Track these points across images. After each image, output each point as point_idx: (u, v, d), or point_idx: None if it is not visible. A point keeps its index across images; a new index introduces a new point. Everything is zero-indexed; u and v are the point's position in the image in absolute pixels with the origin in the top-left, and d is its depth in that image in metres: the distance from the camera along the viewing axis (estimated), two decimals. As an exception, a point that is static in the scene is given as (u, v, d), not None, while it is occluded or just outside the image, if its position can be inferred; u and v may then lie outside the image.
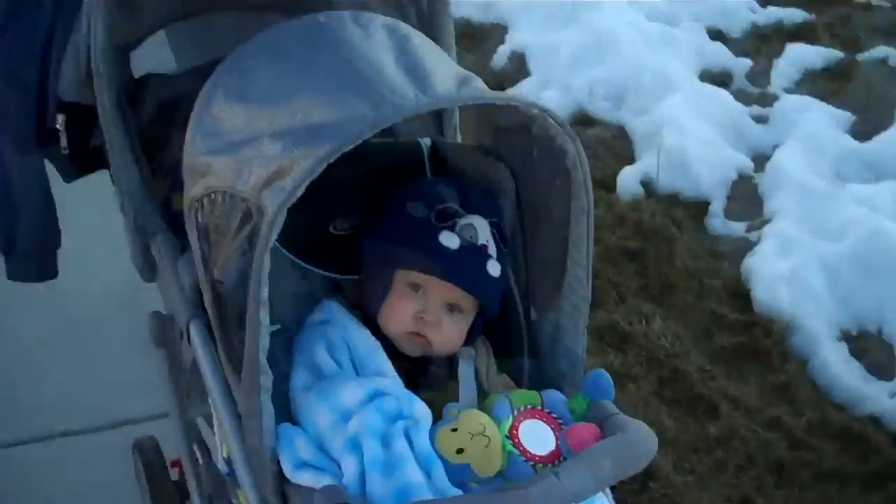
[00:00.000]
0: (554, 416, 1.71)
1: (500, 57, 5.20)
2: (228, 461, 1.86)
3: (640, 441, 1.62)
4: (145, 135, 2.04)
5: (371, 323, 1.81)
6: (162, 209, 2.04)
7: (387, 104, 1.52)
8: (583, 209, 1.70)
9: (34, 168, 2.16)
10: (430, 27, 2.05)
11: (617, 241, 3.85)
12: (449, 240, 1.75)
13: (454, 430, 1.63)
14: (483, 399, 1.79)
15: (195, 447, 2.21)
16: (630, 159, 4.40)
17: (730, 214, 4.06)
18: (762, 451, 2.96)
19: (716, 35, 5.33)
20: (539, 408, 1.71)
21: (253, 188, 1.52)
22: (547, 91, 4.86)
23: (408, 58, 1.65)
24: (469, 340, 1.85)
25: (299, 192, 1.46)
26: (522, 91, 4.84)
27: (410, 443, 1.61)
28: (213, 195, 1.62)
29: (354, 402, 1.66)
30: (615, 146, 4.53)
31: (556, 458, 1.65)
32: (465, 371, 1.81)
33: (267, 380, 1.56)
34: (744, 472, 2.92)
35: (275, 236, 1.48)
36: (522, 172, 1.82)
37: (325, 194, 1.83)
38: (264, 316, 1.52)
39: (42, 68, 2.07)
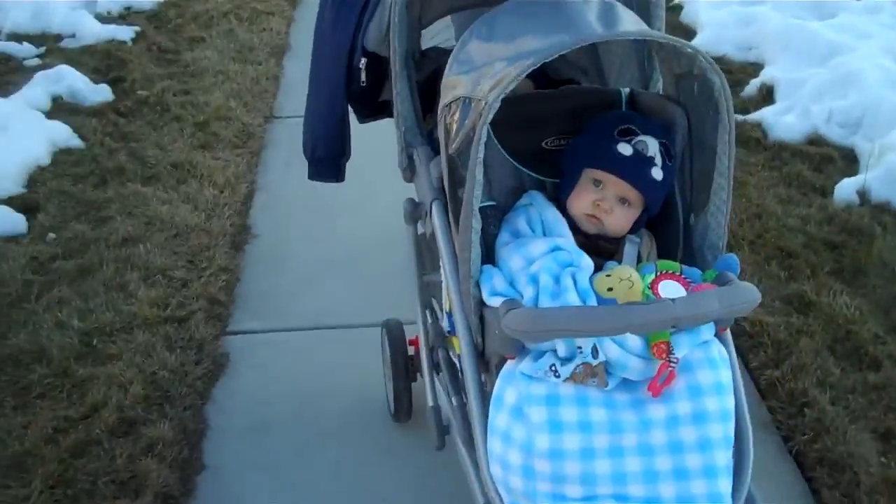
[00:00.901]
0: (689, 280, 2.11)
1: (751, 88, 5.49)
2: (449, 316, 2.37)
3: (743, 291, 2.00)
4: (423, 88, 2.59)
5: (562, 212, 2.28)
6: (426, 136, 2.58)
7: (580, 35, 2.02)
8: (726, 129, 2.10)
9: (340, 100, 2.78)
10: (647, 17, 2.50)
11: (822, 235, 4.09)
12: (624, 149, 2.20)
13: (608, 275, 2.08)
14: None
15: (427, 311, 2.74)
16: (854, 175, 4.58)
17: None
18: (915, 400, 3.14)
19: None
20: (678, 273, 2.13)
21: (483, 92, 2.04)
22: (787, 115, 5.11)
23: (607, 17, 2.13)
24: (634, 231, 2.28)
25: (511, 87, 1.96)
26: (765, 115, 5.11)
27: (575, 283, 2.07)
28: (457, 100, 2.15)
29: (539, 252, 2.14)
30: (841, 164, 4.73)
31: (682, 307, 2.07)
32: (629, 250, 2.26)
33: (476, 222, 2.06)
34: (892, 412, 3.10)
35: (490, 116, 1.97)
36: (693, 111, 2.23)
37: (544, 120, 2.36)
38: (479, 172, 2.02)
39: (357, 26, 2.68)
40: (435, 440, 2.57)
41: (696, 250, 2.29)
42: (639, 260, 2.27)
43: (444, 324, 2.59)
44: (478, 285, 2.13)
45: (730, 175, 2.16)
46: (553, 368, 2.01)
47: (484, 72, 2.09)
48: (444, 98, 2.22)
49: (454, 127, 2.15)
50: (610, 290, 2.05)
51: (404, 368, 3.04)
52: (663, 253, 2.32)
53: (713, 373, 2.04)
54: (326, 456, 3.05)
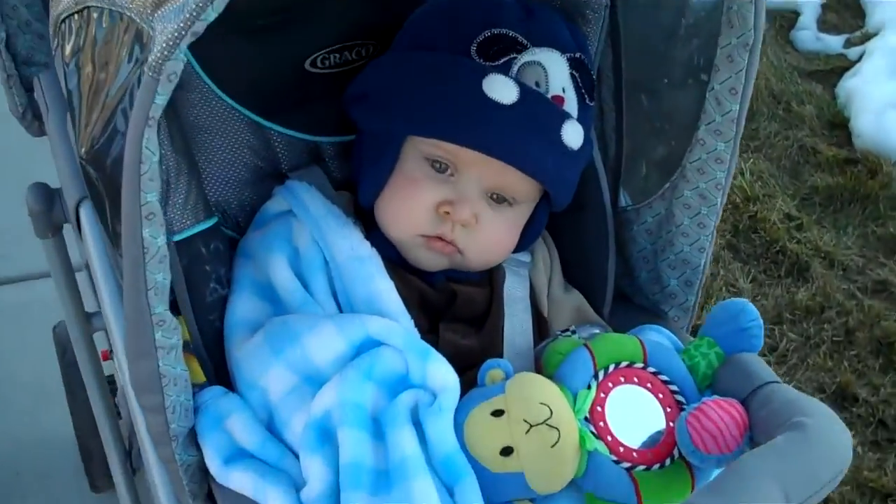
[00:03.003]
0: (663, 378, 0.98)
1: None
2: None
3: (828, 450, 0.87)
4: None
5: (366, 218, 1.08)
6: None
7: None
8: (745, 44, 0.94)
9: None
10: None
11: (686, 55, 3.04)
12: (500, 87, 0.98)
13: (498, 413, 0.91)
14: (541, 339, 1.08)
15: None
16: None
17: (824, 26, 3.25)
18: (864, 324, 2.26)
19: None
20: (640, 365, 0.98)
21: (143, 1, 0.78)
22: None
23: None
24: (522, 244, 1.10)
25: (213, 13, 0.72)
26: None
27: (422, 434, 0.91)
28: (85, 12, 0.87)
29: (330, 356, 0.95)
30: None
31: (665, 457, 0.94)
32: (514, 293, 1.10)
33: (168, 334, 0.86)
34: (840, 351, 2.22)
35: (172, 82, 0.74)
36: None
37: (301, 14, 1.12)
38: (153, 230, 0.78)
39: None
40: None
41: (643, 262, 1.17)
42: (531, 294, 1.11)
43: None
44: (193, 440, 0.93)
45: (737, 133, 1.01)
46: None
47: None
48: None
49: (87, 79, 0.87)
50: (508, 452, 0.89)
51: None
52: (576, 274, 1.18)
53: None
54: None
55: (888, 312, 2.26)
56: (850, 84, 2.87)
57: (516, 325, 1.06)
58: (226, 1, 0.69)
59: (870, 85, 2.82)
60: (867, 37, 3.11)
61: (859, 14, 3.27)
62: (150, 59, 0.71)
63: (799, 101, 2.89)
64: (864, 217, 2.54)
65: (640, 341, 0.99)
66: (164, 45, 0.70)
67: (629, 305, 1.18)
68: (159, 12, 0.73)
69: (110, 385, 1.71)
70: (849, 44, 3.12)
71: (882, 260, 2.42)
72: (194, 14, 0.69)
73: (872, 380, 2.11)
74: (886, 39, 3.00)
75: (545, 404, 0.89)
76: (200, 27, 0.70)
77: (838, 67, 3.04)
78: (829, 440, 0.87)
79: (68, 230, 1.29)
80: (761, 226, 2.49)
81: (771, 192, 2.58)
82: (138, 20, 0.77)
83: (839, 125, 2.81)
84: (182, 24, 0.70)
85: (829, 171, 2.67)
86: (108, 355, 1.69)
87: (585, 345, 0.98)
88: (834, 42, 3.15)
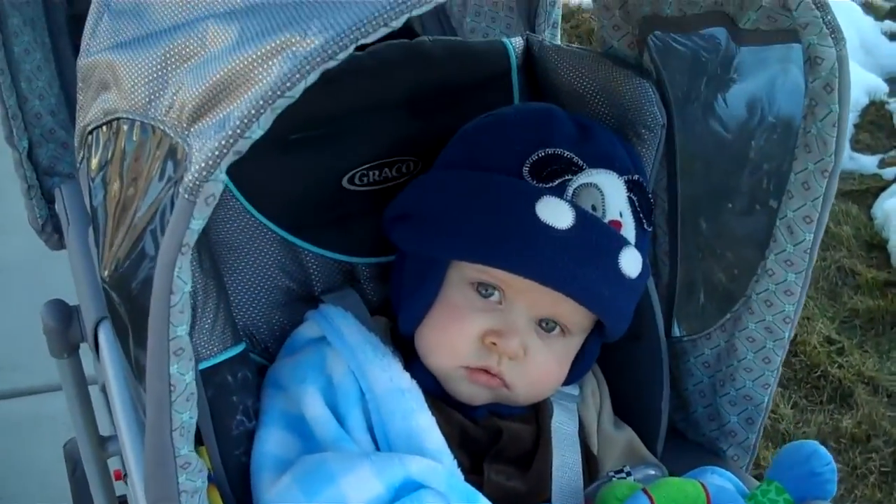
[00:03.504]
0: None
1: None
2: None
3: None
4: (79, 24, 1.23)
5: (405, 345, 1.01)
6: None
7: None
8: (823, 170, 0.88)
9: None
10: None
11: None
12: (554, 211, 0.92)
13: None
14: (590, 479, 1.01)
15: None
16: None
17: (857, 146, 3.21)
18: (916, 455, 2.19)
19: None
20: (703, 511, 0.90)
21: (178, 115, 0.72)
22: None
23: None
24: (571, 377, 1.03)
25: (259, 130, 0.66)
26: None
27: None
28: (114, 124, 0.81)
29: (367, 499, 0.86)
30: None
31: None
32: (562, 429, 1.03)
33: (192, 477, 0.79)
34: (889, 482, 2.12)
35: (209, 205, 0.68)
36: (689, 98, 0.98)
37: (339, 128, 1.07)
38: (181, 366, 0.72)
39: None
40: None
41: (699, 397, 1.10)
42: (580, 430, 1.05)
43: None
44: None
45: (810, 263, 0.95)
46: None
47: (175, 49, 0.76)
48: (86, 108, 0.88)
49: (114, 196, 0.81)
50: None
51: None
52: (626, 408, 1.10)
53: None
54: None
55: (940, 444, 2.17)
56: (888, 205, 2.81)
57: (566, 464, 0.99)
58: (272, 117, 0.63)
59: (906, 206, 2.77)
60: (901, 156, 3.09)
61: (893, 134, 3.23)
62: (186, 180, 0.65)
63: (835, 221, 2.83)
64: (908, 342, 2.47)
65: (703, 486, 0.91)
66: (202, 164, 0.65)
67: (684, 443, 1.11)
68: (196, 127, 0.68)
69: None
70: (883, 164, 3.08)
71: (929, 388, 2.33)
72: (238, 131, 0.64)
73: (925, 515, 2.02)
74: (919, 160, 2.98)
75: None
76: (244, 146, 0.64)
77: (873, 187, 2.98)
78: None
79: (85, 347, 1.24)
80: (801, 349, 2.38)
81: (810, 315, 2.49)
82: (172, 135, 0.71)
83: (877, 246, 2.73)
84: (223, 142, 0.64)
85: (868, 293, 2.58)
86: (122, 476, 1.62)
87: (644, 490, 0.90)
88: (868, 162, 3.11)
